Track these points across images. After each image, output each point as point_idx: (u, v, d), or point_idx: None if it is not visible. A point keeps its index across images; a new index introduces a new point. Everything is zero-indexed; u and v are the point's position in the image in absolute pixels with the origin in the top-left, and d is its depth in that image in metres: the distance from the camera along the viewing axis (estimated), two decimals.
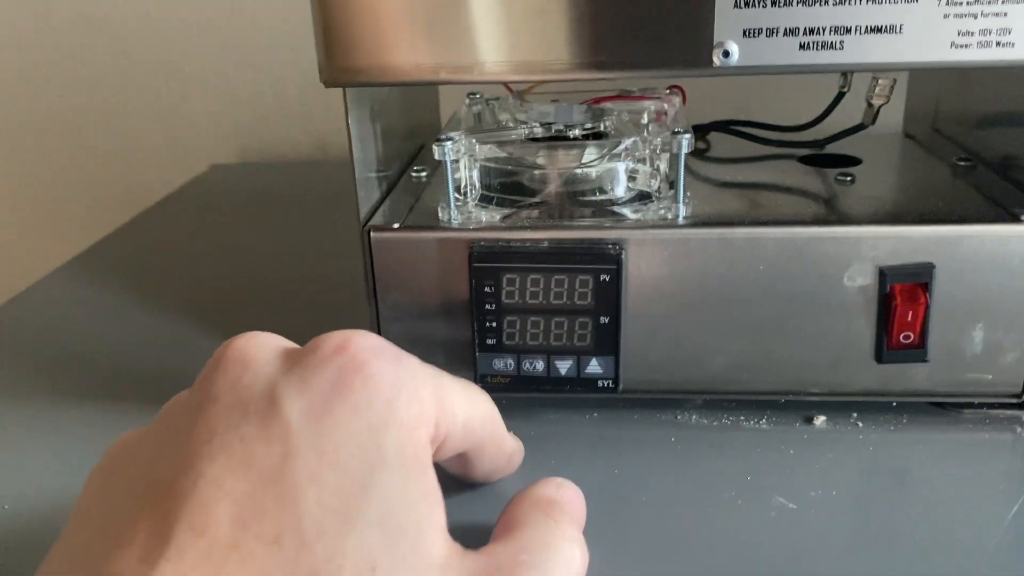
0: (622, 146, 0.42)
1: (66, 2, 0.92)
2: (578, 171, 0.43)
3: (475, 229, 0.40)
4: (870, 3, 0.34)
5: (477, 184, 0.43)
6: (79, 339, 0.54)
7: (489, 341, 0.41)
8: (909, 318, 0.39)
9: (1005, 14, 0.33)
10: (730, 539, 0.34)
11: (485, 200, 0.43)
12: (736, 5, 0.34)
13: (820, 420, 0.41)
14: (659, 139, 0.41)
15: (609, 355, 0.40)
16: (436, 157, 0.41)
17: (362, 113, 0.42)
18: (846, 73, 0.48)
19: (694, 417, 0.42)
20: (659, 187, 0.42)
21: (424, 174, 0.49)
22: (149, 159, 0.97)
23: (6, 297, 0.60)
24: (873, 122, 0.46)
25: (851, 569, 0.32)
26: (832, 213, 0.42)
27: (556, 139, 0.43)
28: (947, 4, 0.33)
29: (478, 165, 0.43)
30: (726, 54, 0.34)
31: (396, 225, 0.41)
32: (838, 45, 0.34)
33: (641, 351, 0.41)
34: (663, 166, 0.42)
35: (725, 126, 0.54)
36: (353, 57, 0.37)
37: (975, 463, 0.39)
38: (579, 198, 0.43)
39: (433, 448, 0.27)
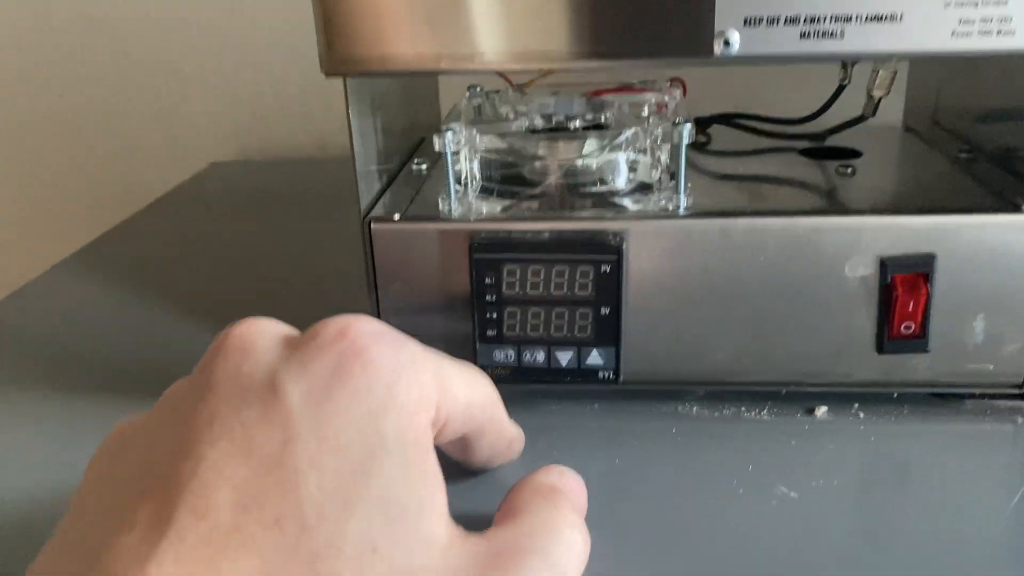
0: (623, 136, 0.42)
1: (66, 1, 0.92)
2: (579, 162, 0.43)
3: (476, 220, 0.40)
4: None
5: (477, 175, 0.43)
6: (78, 335, 0.54)
7: (490, 332, 0.41)
8: (910, 308, 0.39)
9: (1006, 3, 0.33)
10: (732, 528, 0.34)
11: (486, 191, 0.43)
12: None
13: (821, 411, 0.41)
14: (660, 129, 0.41)
15: (610, 346, 0.40)
16: (436, 148, 0.41)
17: (362, 105, 0.42)
18: (846, 66, 0.48)
19: (695, 408, 0.42)
20: (660, 178, 0.42)
21: (424, 167, 0.49)
22: (149, 157, 0.97)
23: (6, 293, 0.60)
24: (874, 114, 0.46)
25: (853, 558, 0.32)
26: (833, 204, 0.42)
27: (556, 130, 0.43)
28: None
29: (478, 156, 0.43)
30: (727, 43, 0.34)
31: (397, 216, 0.41)
32: (839, 34, 0.34)
33: (642, 342, 0.41)
34: (664, 157, 0.42)
35: (726, 119, 0.54)
36: (354, 46, 0.37)
37: (976, 454, 0.39)
38: (580, 189, 0.43)
39: (434, 432, 0.27)
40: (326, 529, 0.23)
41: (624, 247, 0.39)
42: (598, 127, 0.43)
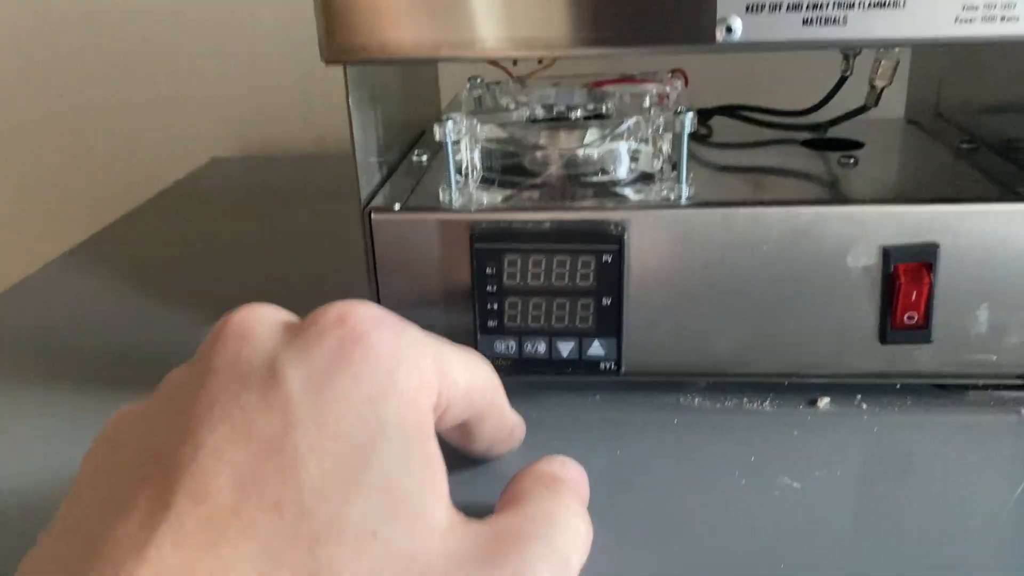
0: (624, 126, 0.42)
1: None
2: (580, 152, 0.43)
3: (476, 211, 0.40)
4: None
5: (478, 166, 0.43)
6: (77, 330, 0.53)
7: (490, 323, 0.41)
8: (913, 298, 0.39)
9: None
10: (734, 519, 0.34)
11: (486, 182, 0.43)
12: None
13: (824, 402, 0.41)
14: (661, 119, 0.41)
15: (611, 337, 0.40)
16: (437, 138, 0.40)
17: (362, 95, 0.42)
18: (848, 57, 0.47)
19: (697, 400, 0.42)
20: (661, 168, 0.42)
21: (425, 159, 0.49)
22: (149, 152, 0.97)
23: (5, 288, 0.60)
24: (876, 104, 0.46)
25: (856, 548, 0.32)
26: (835, 193, 0.42)
27: (557, 120, 0.43)
28: None
29: (479, 146, 0.43)
30: (729, 30, 0.34)
31: (397, 207, 0.41)
32: (841, 20, 0.34)
33: (644, 333, 0.41)
34: (665, 147, 0.42)
35: (727, 111, 0.54)
36: (353, 34, 0.36)
37: (979, 445, 0.38)
38: (581, 179, 0.43)
39: (435, 417, 0.27)
40: (326, 513, 0.22)
41: (626, 237, 0.39)
42: (599, 117, 0.43)
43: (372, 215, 0.41)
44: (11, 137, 0.99)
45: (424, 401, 0.26)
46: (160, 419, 0.25)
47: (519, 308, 0.40)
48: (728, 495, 0.35)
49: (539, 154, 0.43)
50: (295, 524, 0.22)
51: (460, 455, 0.35)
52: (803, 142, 0.50)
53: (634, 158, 0.43)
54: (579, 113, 0.43)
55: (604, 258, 0.39)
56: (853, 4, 0.34)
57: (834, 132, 0.51)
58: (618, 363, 0.41)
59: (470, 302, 0.41)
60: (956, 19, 0.33)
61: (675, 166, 0.41)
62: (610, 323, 0.40)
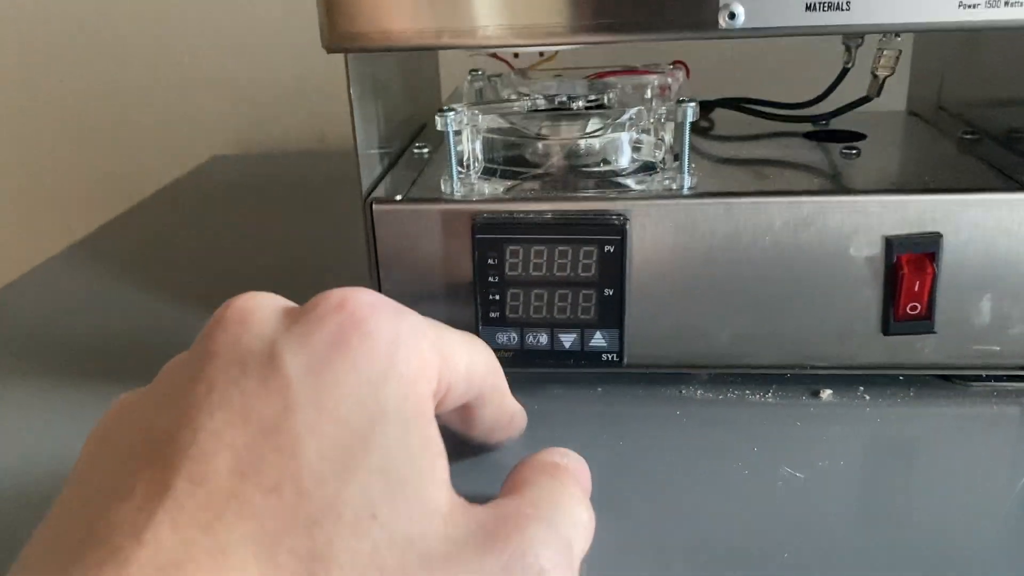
0: (626, 116, 0.41)
1: None
2: (581, 142, 0.42)
3: (478, 201, 0.40)
4: None
5: (480, 156, 0.43)
6: (77, 325, 0.53)
7: (492, 314, 0.40)
8: (916, 289, 0.38)
9: None
10: (737, 510, 0.34)
11: (488, 172, 0.43)
12: None
13: (827, 394, 0.41)
14: (663, 109, 0.41)
15: (613, 328, 0.40)
16: (438, 128, 0.40)
17: (364, 86, 0.41)
18: (850, 48, 0.47)
19: (699, 392, 0.42)
20: (663, 158, 0.42)
21: (426, 151, 0.49)
22: (150, 150, 0.97)
23: (7, 282, 0.60)
24: (878, 94, 0.46)
25: (858, 539, 0.32)
26: (838, 184, 0.41)
27: (559, 110, 0.43)
28: None
29: (481, 137, 0.43)
30: (732, 16, 0.34)
31: (398, 197, 0.41)
32: (845, 6, 0.34)
33: (646, 324, 0.40)
34: (667, 137, 0.41)
35: (729, 103, 0.54)
36: (355, 21, 0.36)
37: (982, 436, 0.38)
38: (583, 169, 0.43)
39: (435, 401, 0.27)
40: (324, 495, 0.22)
41: (628, 227, 0.39)
42: (601, 107, 0.43)
43: (373, 206, 0.41)
44: (12, 134, 0.99)
45: (424, 385, 0.26)
46: (160, 404, 0.25)
47: (521, 299, 0.40)
48: (731, 486, 0.35)
49: (541, 144, 0.43)
50: (294, 506, 0.22)
51: (461, 447, 0.35)
52: (805, 134, 0.50)
53: (636, 148, 0.43)
54: (581, 103, 0.43)
55: (606, 249, 0.39)
56: None
57: (836, 124, 0.51)
58: (620, 355, 0.40)
59: (472, 293, 0.40)
60: (960, 4, 0.33)
61: (677, 156, 0.40)
62: (612, 314, 0.40)
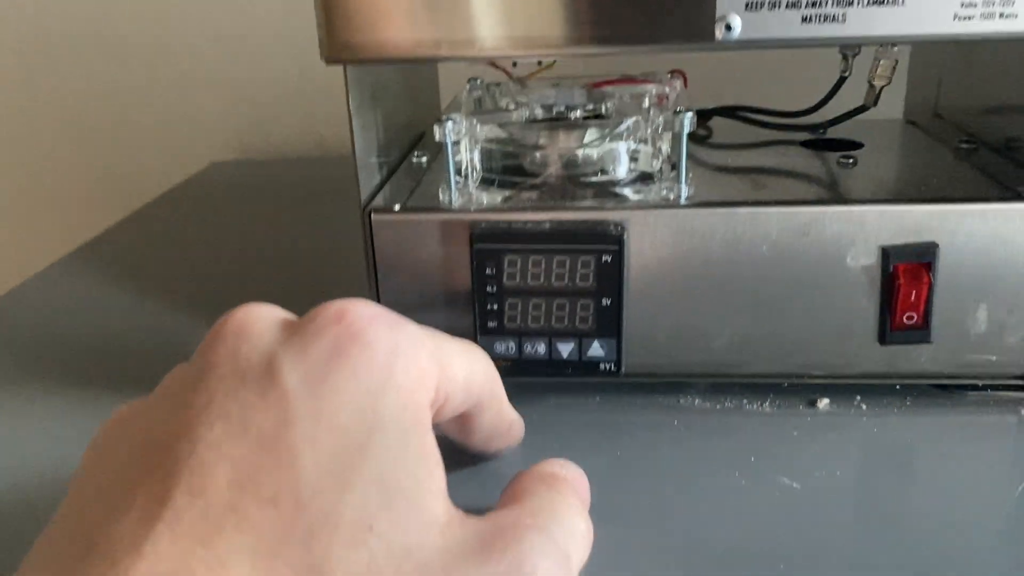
0: (624, 126, 0.42)
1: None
2: (579, 152, 0.43)
3: (476, 211, 0.40)
4: None
5: (478, 166, 0.43)
6: (77, 332, 0.53)
7: (490, 324, 0.41)
8: (913, 298, 0.39)
9: None
10: (734, 519, 0.34)
11: (486, 182, 0.43)
12: None
13: (823, 403, 0.41)
14: (661, 119, 0.41)
15: (611, 337, 0.40)
16: (437, 138, 0.40)
17: (362, 95, 0.42)
18: (847, 57, 0.47)
19: (697, 401, 0.42)
20: (661, 168, 0.42)
21: (424, 160, 0.49)
22: (149, 156, 0.97)
23: (7, 290, 0.60)
24: (875, 103, 0.46)
25: (855, 549, 0.32)
26: (835, 193, 0.42)
27: (557, 120, 0.43)
28: None
29: (479, 146, 0.43)
30: (728, 27, 0.34)
31: (397, 207, 0.41)
32: (841, 18, 0.34)
33: (643, 333, 0.40)
34: (665, 147, 0.42)
35: (726, 112, 0.54)
36: (354, 33, 0.36)
37: (979, 445, 0.38)
38: (580, 179, 0.43)
39: (433, 411, 0.27)
40: (322, 506, 0.22)
41: (625, 237, 0.39)
42: (599, 117, 0.43)
43: (372, 215, 0.41)
44: (11, 141, 0.99)
45: (422, 395, 0.26)
46: (159, 415, 0.25)
47: (519, 308, 0.40)
48: (728, 496, 0.35)
49: (538, 154, 0.43)
50: (291, 517, 0.22)
51: (459, 456, 0.35)
52: (802, 143, 0.50)
53: (633, 158, 0.43)
54: (578, 113, 0.43)
55: (604, 258, 0.39)
56: (852, 1, 0.34)
57: (833, 133, 0.51)
58: (618, 364, 0.41)
59: (470, 303, 0.41)
60: (955, 16, 0.33)
61: (674, 166, 0.41)
62: (610, 323, 0.40)
